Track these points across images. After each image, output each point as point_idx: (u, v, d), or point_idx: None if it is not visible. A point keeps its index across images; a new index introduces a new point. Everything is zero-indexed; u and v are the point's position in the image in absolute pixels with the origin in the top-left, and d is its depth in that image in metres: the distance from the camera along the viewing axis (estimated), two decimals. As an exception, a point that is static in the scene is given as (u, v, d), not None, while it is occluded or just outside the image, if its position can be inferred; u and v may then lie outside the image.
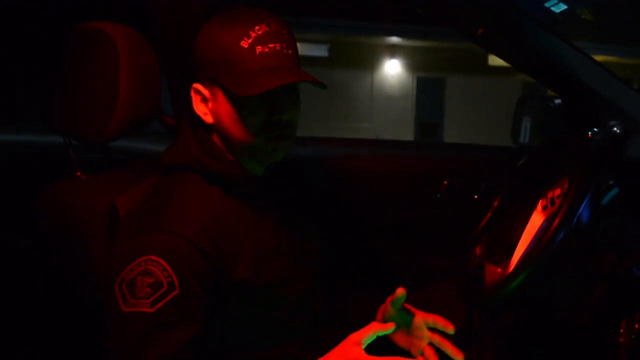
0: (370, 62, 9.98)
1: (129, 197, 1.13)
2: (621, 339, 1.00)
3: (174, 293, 0.94)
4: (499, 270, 1.11)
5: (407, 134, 10.00)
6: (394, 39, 9.51)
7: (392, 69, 10.11)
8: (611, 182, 1.23)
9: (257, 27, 1.00)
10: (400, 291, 1.15)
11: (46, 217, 1.19)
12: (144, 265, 0.94)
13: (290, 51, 1.03)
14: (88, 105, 1.15)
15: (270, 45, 1.00)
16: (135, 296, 0.93)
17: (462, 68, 9.70)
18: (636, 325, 0.98)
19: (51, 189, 1.21)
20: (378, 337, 1.01)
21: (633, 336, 0.98)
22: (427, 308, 1.38)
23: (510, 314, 1.27)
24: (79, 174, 1.22)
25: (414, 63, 10.04)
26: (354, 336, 0.99)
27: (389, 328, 1.00)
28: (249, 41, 0.99)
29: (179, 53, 1.14)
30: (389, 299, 1.18)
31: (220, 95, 1.03)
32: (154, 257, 0.94)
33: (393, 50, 9.94)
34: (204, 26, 1.05)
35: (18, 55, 1.93)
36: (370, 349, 0.99)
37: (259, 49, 0.99)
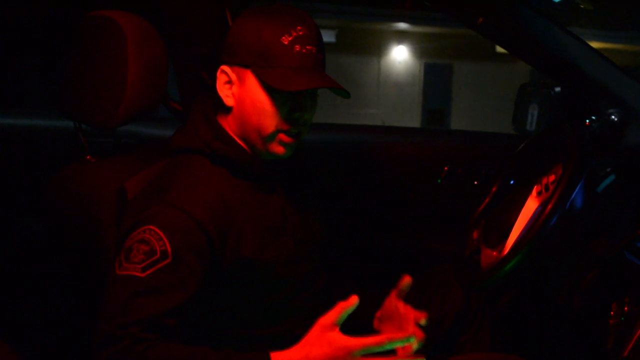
0: (377, 48, 9.95)
1: (137, 180, 1.17)
2: (611, 321, 1.03)
3: (166, 261, 0.98)
4: (494, 253, 1.15)
5: (414, 120, 9.99)
6: (402, 25, 9.48)
7: (400, 55, 10.09)
8: (608, 170, 1.26)
9: (298, 27, 1.05)
10: (407, 279, 1.18)
11: (57, 200, 1.23)
12: (142, 234, 1.00)
13: (322, 56, 1.09)
14: (98, 91, 1.18)
15: (308, 47, 1.06)
16: (130, 261, 0.99)
17: (470, 54, 9.66)
18: (625, 308, 1.02)
19: (62, 172, 1.24)
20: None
21: (622, 318, 1.01)
22: (426, 290, 1.43)
23: (506, 297, 1.31)
24: (88, 157, 1.26)
25: (421, 49, 10.01)
26: (323, 320, 0.98)
27: (353, 303, 0.98)
28: (290, 39, 1.04)
29: (187, 41, 1.17)
30: (394, 291, 1.20)
31: (250, 82, 1.08)
32: (152, 227, 1.00)
33: (400, 36, 9.90)
34: (245, 15, 1.09)
35: (28, 41, 1.96)
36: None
37: (297, 48, 1.05)
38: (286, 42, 1.04)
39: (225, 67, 1.10)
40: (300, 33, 1.05)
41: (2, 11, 1.85)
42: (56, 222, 1.24)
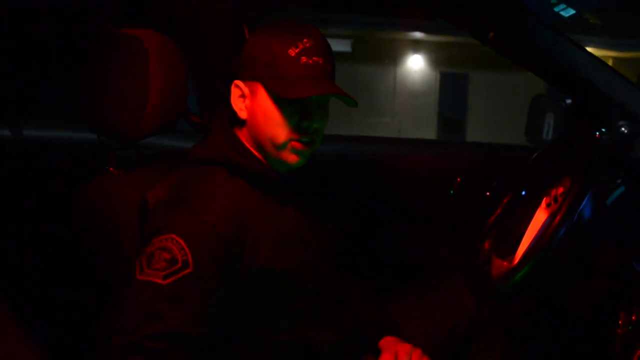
0: (393, 57, 9.98)
1: (158, 190, 1.21)
2: (619, 330, 1.05)
3: (187, 271, 1.02)
4: (504, 263, 1.18)
5: (430, 130, 9.99)
6: (418, 34, 9.50)
7: (415, 64, 10.10)
8: (618, 181, 1.28)
9: (305, 40, 1.10)
10: None
11: (83, 211, 1.28)
12: (164, 242, 1.03)
13: (329, 67, 1.13)
14: (121, 105, 1.24)
15: (314, 58, 1.10)
16: (152, 267, 1.02)
17: (486, 64, 9.64)
18: (633, 317, 1.04)
19: (87, 184, 1.30)
20: None
21: (630, 327, 1.03)
22: (438, 300, 1.46)
23: (516, 306, 1.33)
24: (112, 169, 1.31)
25: (437, 58, 10.01)
26: None
27: None
28: (296, 51, 1.09)
29: (206, 57, 1.22)
30: None
31: (260, 94, 1.12)
32: (174, 236, 1.03)
33: (416, 46, 9.92)
34: (257, 32, 1.15)
35: (54, 55, 2.03)
36: None
37: (303, 59, 1.09)
38: (293, 54, 1.09)
39: (238, 82, 1.15)
40: (307, 45, 1.10)
41: (31, 25, 1.92)
42: (82, 231, 1.29)
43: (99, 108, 1.29)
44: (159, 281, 1.01)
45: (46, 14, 1.91)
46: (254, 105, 1.14)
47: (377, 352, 1.27)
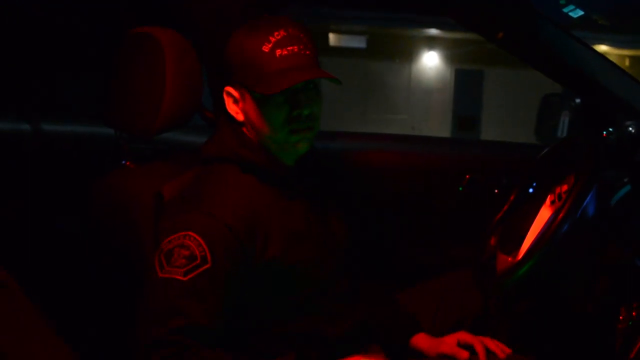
0: (408, 53, 9.96)
1: (173, 185, 1.25)
2: (619, 325, 1.08)
3: (206, 266, 1.06)
4: (509, 259, 1.20)
5: (444, 127, 9.96)
6: (433, 31, 9.47)
7: (431, 61, 10.07)
8: (625, 180, 1.30)
9: (275, 33, 1.11)
10: None
11: (99, 204, 1.33)
12: (182, 239, 1.07)
13: (308, 52, 1.13)
14: (138, 102, 1.28)
15: (289, 48, 1.11)
16: (171, 264, 1.06)
17: (502, 61, 9.57)
18: (634, 313, 1.06)
19: (103, 177, 1.34)
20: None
21: (630, 323, 1.05)
22: (445, 295, 1.48)
23: (522, 302, 1.35)
24: (128, 163, 1.35)
25: (452, 55, 9.97)
26: None
27: None
28: (270, 46, 1.11)
29: (220, 55, 1.26)
30: None
31: (248, 96, 1.15)
32: (191, 233, 1.07)
33: (431, 42, 9.90)
34: (232, 37, 1.17)
35: (70, 50, 2.08)
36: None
37: (278, 52, 1.11)
38: (267, 50, 1.10)
39: (228, 88, 1.18)
40: (279, 37, 1.11)
41: (49, 21, 1.97)
42: (98, 224, 1.33)
43: (116, 104, 1.33)
44: (180, 277, 1.05)
45: (65, 11, 1.96)
46: (246, 107, 1.16)
47: (396, 345, 1.32)
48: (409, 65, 10.05)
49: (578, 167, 1.13)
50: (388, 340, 1.34)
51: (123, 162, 1.36)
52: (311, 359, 1.21)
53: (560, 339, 1.27)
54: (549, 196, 1.19)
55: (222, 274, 1.08)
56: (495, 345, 1.23)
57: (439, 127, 9.77)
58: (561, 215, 1.05)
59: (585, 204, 1.05)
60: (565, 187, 1.15)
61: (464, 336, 1.26)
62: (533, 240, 1.13)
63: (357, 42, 9.33)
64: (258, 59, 1.11)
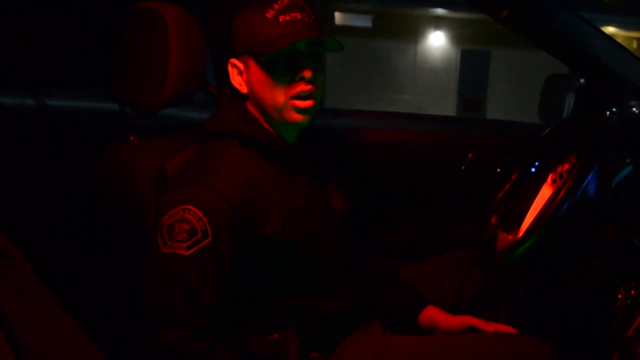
0: (414, 33, 9.89)
1: (176, 160, 1.26)
2: (618, 304, 1.09)
3: (207, 241, 1.08)
4: (509, 237, 1.21)
5: (450, 107, 9.93)
6: (439, 11, 9.40)
7: (436, 41, 10.01)
8: (627, 161, 1.30)
9: (279, 1, 1.13)
10: None
11: (103, 177, 1.34)
12: (182, 214, 1.08)
13: (311, 20, 1.15)
14: (142, 77, 1.28)
15: (292, 14, 1.12)
16: (174, 239, 1.08)
17: (508, 41, 9.51)
18: (632, 292, 1.07)
19: (107, 151, 1.35)
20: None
21: (629, 301, 1.06)
22: (446, 272, 1.49)
23: (521, 280, 1.36)
24: (132, 138, 1.36)
25: (458, 35, 9.91)
26: None
27: None
28: (273, 12, 1.12)
29: (223, 31, 1.25)
30: None
31: (252, 64, 1.16)
32: (191, 207, 1.08)
33: (437, 22, 9.82)
34: (238, 12, 1.18)
35: (75, 25, 2.08)
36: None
37: (281, 17, 1.12)
38: (270, 16, 1.12)
39: (233, 60, 1.19)
40: (283, 4, 1.12)
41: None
42: (102, 197, 1.34)
43: (121, 80, 1.33)
44: (183, 252, 1.08)
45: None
46: (250, 77, 1.17)
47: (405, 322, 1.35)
48: (415, 45, 9.99)
49: (580, 146, 1.13)
50: (395, 316, 1.36)
51: (127, 137, 1.37)
52: (311, 333, 1.23)
53: (559, 317, 1.28)
54: (550, 175, 1.19)
55: (222, 249, 1.10)
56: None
57: (445, 107, 9.74)
58: (561, 194, 1.05)
59: (585, 183, 1.05)
60: (566, 166, 1.16)
61: (474, 321, 1.29)
62: (533, 219, 1.14)
63: (363, 21, 9.27)
64: (262, 26, 1.13)
